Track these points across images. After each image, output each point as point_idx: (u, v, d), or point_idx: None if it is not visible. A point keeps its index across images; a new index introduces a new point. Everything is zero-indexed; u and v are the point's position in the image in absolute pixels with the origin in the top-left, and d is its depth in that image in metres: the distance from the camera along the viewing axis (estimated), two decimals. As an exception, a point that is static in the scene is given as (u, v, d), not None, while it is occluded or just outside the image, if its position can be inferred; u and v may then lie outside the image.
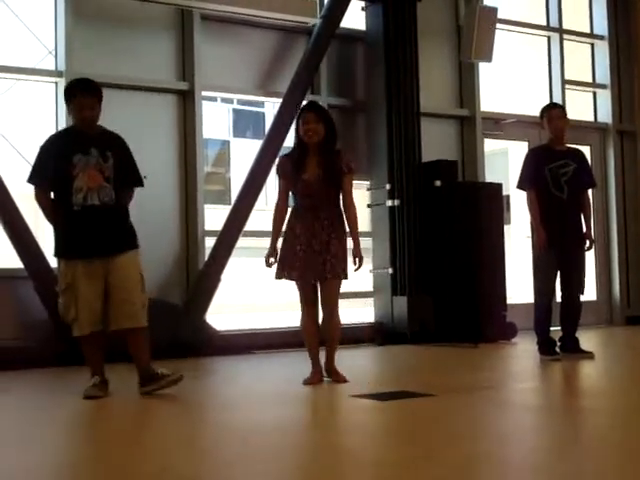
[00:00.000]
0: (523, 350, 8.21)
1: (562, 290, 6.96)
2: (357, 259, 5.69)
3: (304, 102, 8.56)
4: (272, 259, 5.76)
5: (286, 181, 5.81)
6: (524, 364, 7.21)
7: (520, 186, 7.10)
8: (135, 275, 5.41)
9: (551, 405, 5.10)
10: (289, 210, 5.88)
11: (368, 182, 9.11)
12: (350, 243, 5.79)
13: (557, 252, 6.80)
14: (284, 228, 5.86)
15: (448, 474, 3.23)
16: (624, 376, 6.29)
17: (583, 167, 7.04)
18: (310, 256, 5.66)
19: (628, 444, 3.75)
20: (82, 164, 5.30)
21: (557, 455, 3.57)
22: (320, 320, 5.91)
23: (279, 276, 5.80)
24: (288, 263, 5.71)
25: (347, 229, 5.85)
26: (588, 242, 6.94)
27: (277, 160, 6.08)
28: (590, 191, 7.38)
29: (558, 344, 6.92)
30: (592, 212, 7.21)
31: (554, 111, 7.03)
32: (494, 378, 6.18)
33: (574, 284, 6.90)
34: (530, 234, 7.15)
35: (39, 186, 5.44)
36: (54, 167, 5.34)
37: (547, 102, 10.46)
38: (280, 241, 5.83)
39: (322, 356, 5.85)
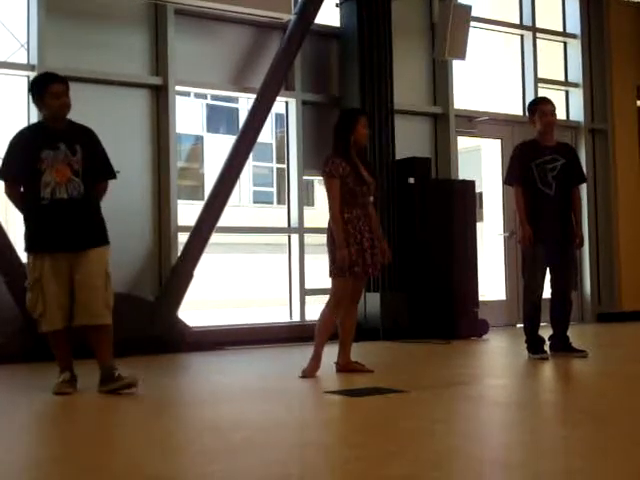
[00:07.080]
0: (494, 346, 8.27)
1: (552, 287, 6.79)
2: (387, 255, 6.04)
3: (277, 101, 8.61)
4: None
5: (343, 181, 5.88)
6: (495, 360, 7.25)
7: (507, 181, 7.03)
8: (100, 272, 5.32)
9: (521, 401, 5.13)
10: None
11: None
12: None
13: (545, 249, 6.66)
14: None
15: (418, 470, 3.25)
16: (596, 372, 6.33)
17: (573, 162, 6.87)
18: (370, 252, 5.90)
19: (599, 440, 3.78)
20: (50, 159, 5.27)
21: (526, 451, 3.59)
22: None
23: (344, 273, 5.82)
24: (360, 259, 5.82)
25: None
26: (578, 239, 6.81)
27: (333, 161, 5.94)
28: (584, 186, 7.24)
29: (548, 343, 6.77)
30: (582, 208, 7.01)
31: (547, 106, 6.81)
32: (466, 374, 6.20)
33: (564, 282, 6.76)
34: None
35: (9, 180, 5.45)
36: (22, 161, 5.34)
37: (522, 99, 10.61)
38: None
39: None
